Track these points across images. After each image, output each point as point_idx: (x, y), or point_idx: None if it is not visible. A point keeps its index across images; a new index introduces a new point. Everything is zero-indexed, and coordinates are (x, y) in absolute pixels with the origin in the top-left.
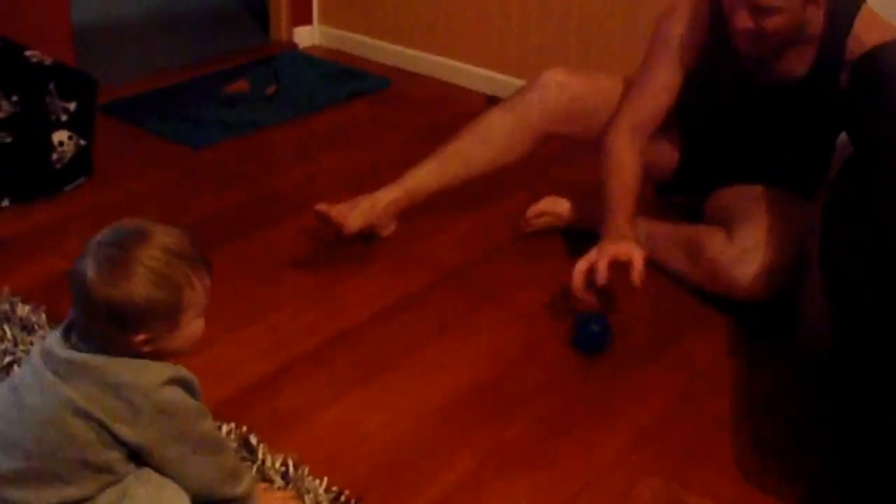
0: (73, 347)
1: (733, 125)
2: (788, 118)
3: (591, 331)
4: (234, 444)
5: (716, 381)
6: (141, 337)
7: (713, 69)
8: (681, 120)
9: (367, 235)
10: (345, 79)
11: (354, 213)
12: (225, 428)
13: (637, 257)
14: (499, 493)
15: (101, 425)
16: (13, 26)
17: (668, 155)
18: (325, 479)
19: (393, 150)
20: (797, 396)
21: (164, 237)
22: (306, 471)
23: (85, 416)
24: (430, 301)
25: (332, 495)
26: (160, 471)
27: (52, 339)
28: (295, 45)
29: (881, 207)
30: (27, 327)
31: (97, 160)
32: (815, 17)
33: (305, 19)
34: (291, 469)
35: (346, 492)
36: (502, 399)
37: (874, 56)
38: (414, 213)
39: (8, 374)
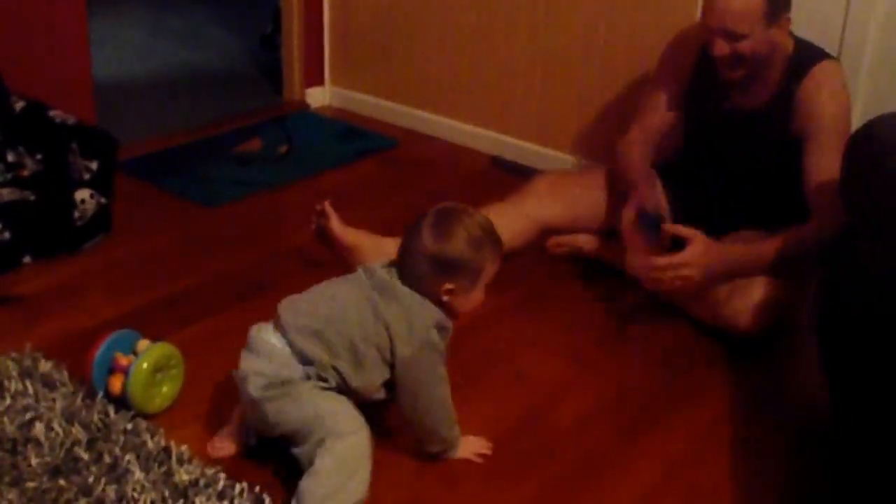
0: (393, 277)
1: (710, 159)
2: (753, 148)
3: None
4: None
5: (712, 446)
6: (448, 286)
7: (697, 93)
8: (666, 179)
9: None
10: (354, 138)
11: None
12: (238, 487)
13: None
14: None
15: (387, 329)
16: (37, 86)
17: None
18: None
19: (400, 208)
20: (793, 462)
21: (481, 218)
22: None
23: (377, 315)
24: None
25: None
26: (403, 395)
27: (378, 266)
28: (307, 106)
29: (881, 278)
30: (49, 383)
31: (115, 217)
32: (783, 40)
33: (317, 80)
34: None
35: None
36: (509, 461)
37: (872, 127)
38: None
39: (29, 431)
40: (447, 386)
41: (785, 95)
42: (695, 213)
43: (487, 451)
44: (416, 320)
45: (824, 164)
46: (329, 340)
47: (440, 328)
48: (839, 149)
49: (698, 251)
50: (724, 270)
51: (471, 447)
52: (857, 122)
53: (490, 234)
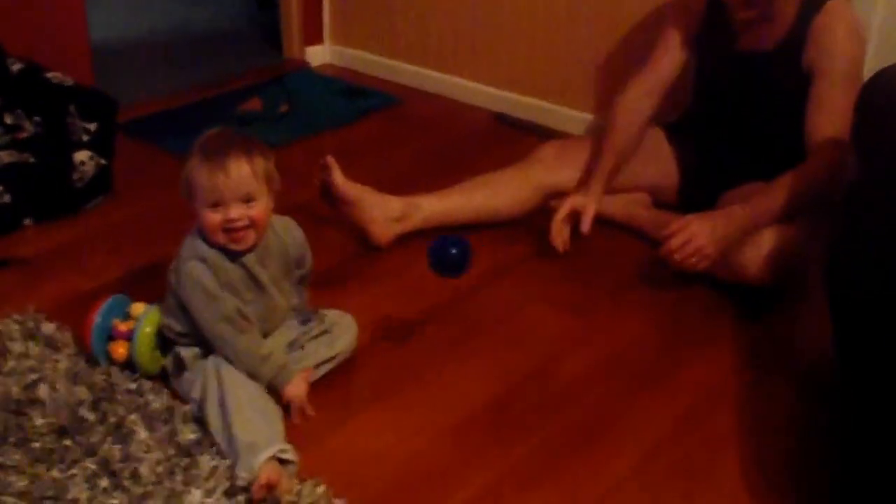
0: None
1: (723, 105)
2: (767, 90)
3: (450, 254)
4: None
5: (719, 399)
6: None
7: (708, 37)
8: (675, 136)
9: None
10: (355, 97)
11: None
12: None
13: (589, 211)
14: None
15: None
16: (33, 47)
17: (669, 179)
18: (345, 498)
19: (403, 166)
20: (800, 413)
21: (212, 133)
22: (324, 490)
23: None
24: (437, 322)
25: None
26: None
27: None
28: (307, 64)
29: (893, 231)
30: (52, 345)
31: (115, 178)
32: None
33: (317, 39)
34: (310, 487)
35: None
36: (511, 419)
37: (884, 75)
38: (418, 234)
39: (34, 392)
40: (225, 326)
41: (799, 34)
42: (705, 167)
43: (307, 410)
44: (183, 253)
45: (829, 97)
46: (167, 297)
47: (200, 259)
48: (848, 85)
49: (696, 224)
50: (734, 231)
51: (295, 390)
52: (869, 65)
53: (201, 145)
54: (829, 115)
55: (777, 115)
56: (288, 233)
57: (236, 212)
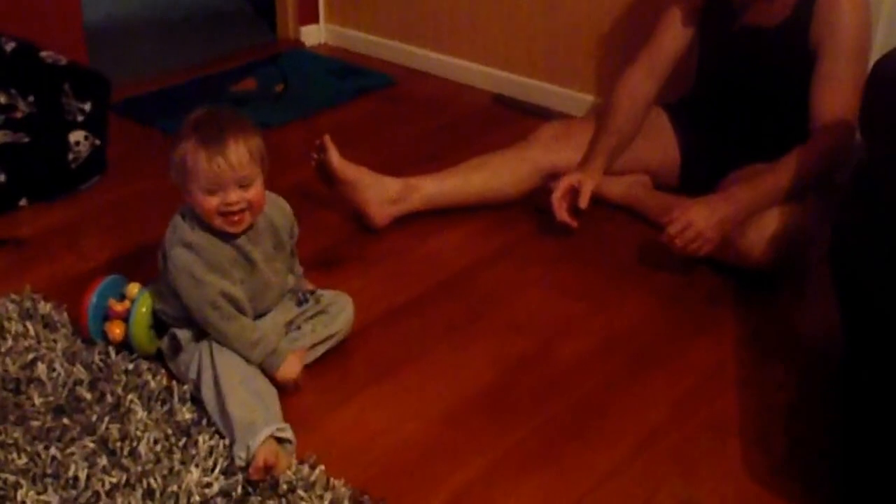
0: None
1: (726, 83)
2: (770, 68)
3: None
4: None
5: (720, 384)
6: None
7: (710, 15)
8: (677, 116)
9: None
10: (351, 77)
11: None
12: None
13: (586, 186)
14: (509, 494)
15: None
16: (27, 27)
17: (671, 160)
18: (343, 479)
19: (400, 147)
20: (803, 397)
21: (205, 112)
22: (322, 470)
23: None
24: (435, 304)
25: (352, 492)
26: None
27: None
28: (302, 44)
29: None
30: (49, 324)
31: (109, 158)
32: None
33: (312, 18)
34: (308, 469)
35: (367, 496)
36: (509, 402)
37: (893, 55)
38: (416, 216)
39: (32, 371)
40: (213, 311)
41: (804, 10)
42: (707, 148)
43: (298, 386)
44: (169, 238)
45: (835, 73)
46: (159, 281)
47: (185, 245)
48: (854, 62)
49: (696, 208)
50: (736, 214)
51: (286, 373)
52: (880, 45)
53: (195, 127)
54: (835, 93)
55: (780, 94)
56: (273, 206)
57: (235, 196)
